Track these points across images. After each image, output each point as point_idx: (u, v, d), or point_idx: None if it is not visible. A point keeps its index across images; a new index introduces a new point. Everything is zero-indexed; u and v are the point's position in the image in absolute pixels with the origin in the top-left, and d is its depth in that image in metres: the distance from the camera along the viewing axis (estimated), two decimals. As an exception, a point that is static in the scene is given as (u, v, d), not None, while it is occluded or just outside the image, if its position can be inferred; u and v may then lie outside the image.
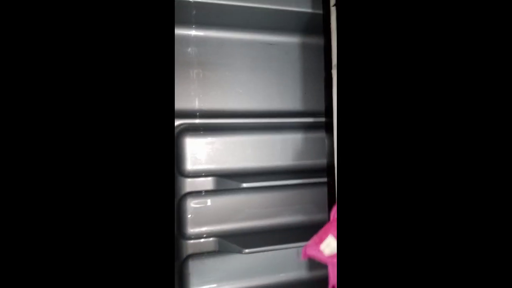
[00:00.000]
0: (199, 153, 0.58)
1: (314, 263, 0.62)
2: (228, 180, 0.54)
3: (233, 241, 0.53)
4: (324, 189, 0.54)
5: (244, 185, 0.51)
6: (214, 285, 0.56)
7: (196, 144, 0.57)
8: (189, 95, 0.58)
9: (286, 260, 0.61)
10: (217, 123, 0.58)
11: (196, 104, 0.58)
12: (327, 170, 0.50)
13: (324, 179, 0.55)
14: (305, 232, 0.59)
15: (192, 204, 0.56)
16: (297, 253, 0.62)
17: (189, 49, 0.57)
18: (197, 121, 0.57)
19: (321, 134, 0.62)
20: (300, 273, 0.63)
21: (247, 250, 0.50)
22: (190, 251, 0.55)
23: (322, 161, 0.63)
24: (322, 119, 0.55)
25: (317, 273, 0.63)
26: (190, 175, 0.57)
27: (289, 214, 0.62)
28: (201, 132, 0.58)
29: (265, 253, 0.59)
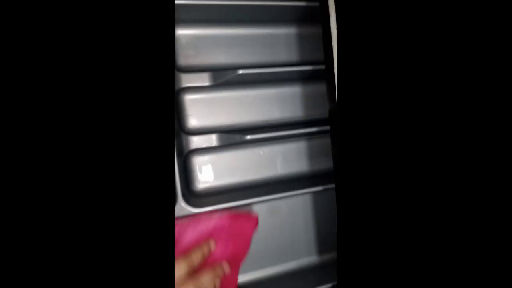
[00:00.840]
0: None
1: (319, 157, 0.63)
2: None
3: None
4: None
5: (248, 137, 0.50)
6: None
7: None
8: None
9: (289, 156, 0.62)
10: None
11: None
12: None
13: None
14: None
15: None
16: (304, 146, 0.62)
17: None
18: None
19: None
20: (302, 166, 0.62)
21: (248, 137, 0.49)
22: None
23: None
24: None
25: (322, 166, 0.64)
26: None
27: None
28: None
29: (269, 149, 0.59)
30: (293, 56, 0.61)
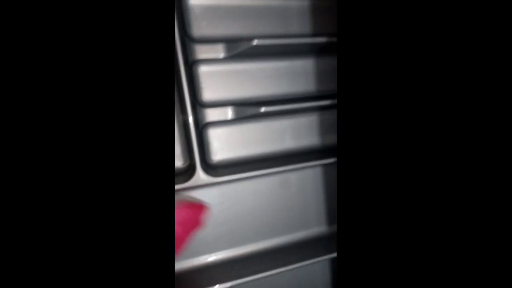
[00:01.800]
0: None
1: (331, 131, 0.65)
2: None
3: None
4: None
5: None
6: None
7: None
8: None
9: (301, 129, 0.63)
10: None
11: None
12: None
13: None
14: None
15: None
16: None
17: None
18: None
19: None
20: (314, 140, 0.64)
21: (263, 109, 0.49)
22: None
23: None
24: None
25: (330, 140, 0.65)
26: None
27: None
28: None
29: (282, 122, 0.60)
30: (306, 29, 0.60)
